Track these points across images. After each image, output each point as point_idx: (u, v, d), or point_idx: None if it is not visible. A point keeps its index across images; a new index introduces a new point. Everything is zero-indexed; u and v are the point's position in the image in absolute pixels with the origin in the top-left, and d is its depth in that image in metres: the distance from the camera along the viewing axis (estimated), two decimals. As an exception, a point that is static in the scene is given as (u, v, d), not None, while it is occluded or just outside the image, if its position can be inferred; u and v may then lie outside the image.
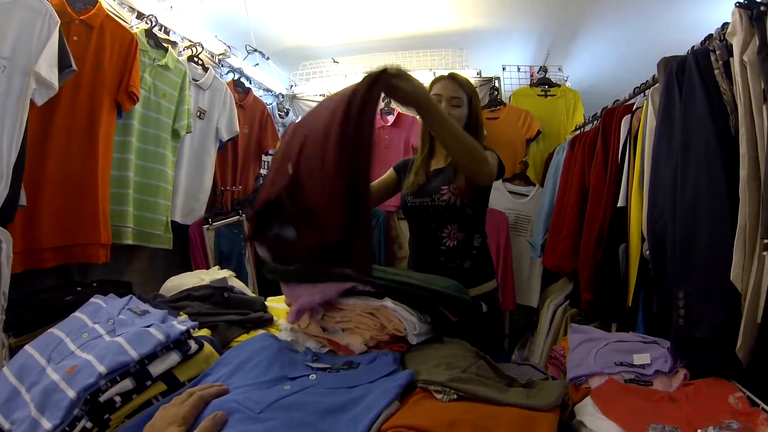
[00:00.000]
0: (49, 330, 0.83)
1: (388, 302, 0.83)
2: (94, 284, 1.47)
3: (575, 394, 0.93)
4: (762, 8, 0.97)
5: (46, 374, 0.70)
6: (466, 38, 2.93)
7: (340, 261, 0.80)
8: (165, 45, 1.94)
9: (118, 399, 0.67)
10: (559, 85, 3.01)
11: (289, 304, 0.94)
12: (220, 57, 2.52)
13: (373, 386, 0.67)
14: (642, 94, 1.72)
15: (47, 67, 1.28)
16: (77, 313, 0.88)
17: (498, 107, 2.88)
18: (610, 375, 0.94)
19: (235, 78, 2.63)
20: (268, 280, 0.94)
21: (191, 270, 1.78)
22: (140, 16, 1.93)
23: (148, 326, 0.77)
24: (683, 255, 1.05)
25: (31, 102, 1.27)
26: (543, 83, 3.00)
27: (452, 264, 1.35)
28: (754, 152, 0.95)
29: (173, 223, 2.06)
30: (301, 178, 0.79)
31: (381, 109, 2.90)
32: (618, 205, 1.59)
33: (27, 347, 0.80)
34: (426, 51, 2.91)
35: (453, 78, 1.41)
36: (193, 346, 0.79)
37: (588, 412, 0.78)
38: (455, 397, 0.64)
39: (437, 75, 1.48)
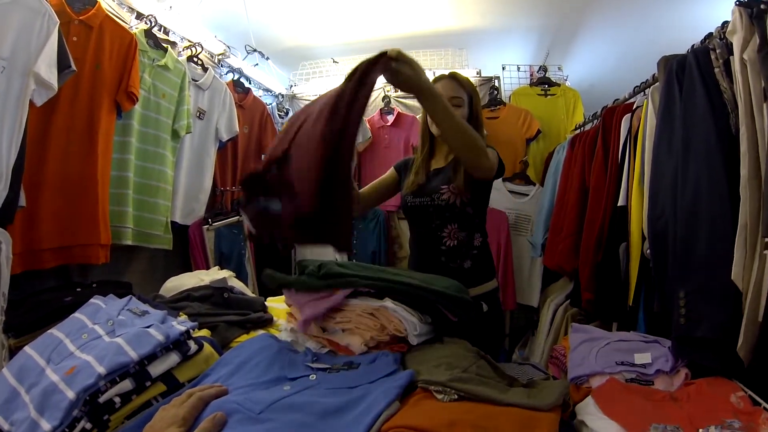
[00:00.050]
0: (49, 331, 0.83)
1: (388, 302, 0.82)
2: (94, 285, 1.47)
3: (576, 394, 0.93)
4: (762, 6, 0.97)
5: (45, 375, 0.70)
6: (465, 38, 2.93)
7: (319, 236, 0.79)
8: (164, 45, 1.94)
9: (117, 400, 0.67)
10: (559, 85, 3.01)
11: (289, 305, 0.94)
12: (220, 57, 2.52)
13: (374, 386, 0.67)
14: (642, 93, 1.71)
15: (46, 68, 1.28)
16: (77, 314, 0.88)
17: (498, 107, 2.88)
18: (611, 374, 0.94)
19: (235, 78, 2.63)
20: (268, 280, 0.94)
21: (191, 270, 1.78)
22: (139, 16, 1.93)
23: (148, 327, 0.77)
24: (684, 254, 1.05)
25: (31, 102, 1.27)
26: (543, 83, 3.00)
27: (453, 264, 1.35)
28: (754, 151, 0.95)
29: (173, 223, 2.06)
30: (292, 152, 0.80)
31: (381, 109, 2.90)
32: (618, 205, 1.59)
33: (26, 348, 0.79)
34: (426, 51, 2.90)
35: (454, 77, 1.41)
36: (193, 346, 0.79)
37: (589, 411, 0.78)
38: (456, 397, 0.64)
39: (437, 74, 1.48)
